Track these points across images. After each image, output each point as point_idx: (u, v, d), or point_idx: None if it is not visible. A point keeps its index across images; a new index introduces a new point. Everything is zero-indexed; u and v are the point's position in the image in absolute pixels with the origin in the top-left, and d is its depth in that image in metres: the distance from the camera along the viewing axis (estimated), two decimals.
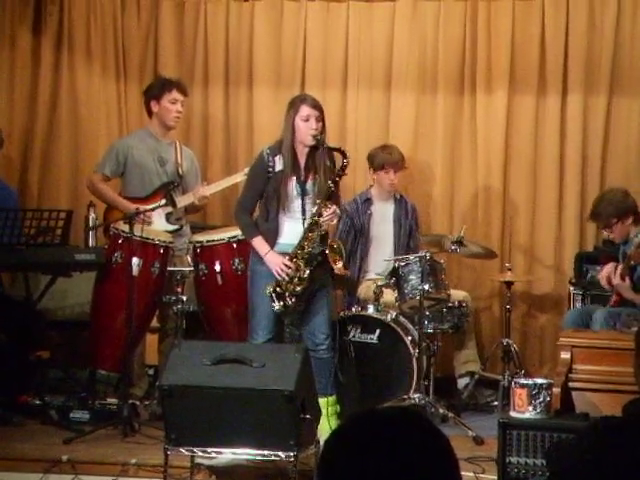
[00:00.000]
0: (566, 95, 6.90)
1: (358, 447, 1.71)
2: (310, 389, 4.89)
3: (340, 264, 5.43)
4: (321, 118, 5.49)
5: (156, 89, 6.31)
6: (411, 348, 5.99)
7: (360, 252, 6.67)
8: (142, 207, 6.04)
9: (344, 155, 5.47)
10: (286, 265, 5.41)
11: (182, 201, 6.31)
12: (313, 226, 5.42)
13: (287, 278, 5.42)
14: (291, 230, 5.48)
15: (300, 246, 5.44)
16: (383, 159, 6.60)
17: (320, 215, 5.40)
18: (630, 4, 6.78)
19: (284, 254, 5.46)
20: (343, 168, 5.46)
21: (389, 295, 6.25)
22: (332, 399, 5.58)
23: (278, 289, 5.43)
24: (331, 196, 5.43)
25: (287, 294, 5.42)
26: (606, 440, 2.99)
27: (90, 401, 5.89)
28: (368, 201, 6.71)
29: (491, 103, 6.99)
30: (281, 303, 5.43)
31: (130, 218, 5.74)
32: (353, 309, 6.30)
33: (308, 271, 5.42)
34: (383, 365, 6.08)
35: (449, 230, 6.95)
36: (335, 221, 5.54)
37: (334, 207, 5.42)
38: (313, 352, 5.33)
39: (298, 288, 5.42)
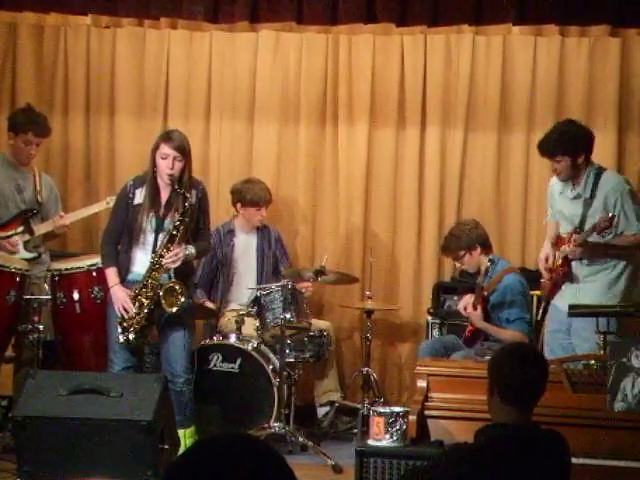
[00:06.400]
0: (425, 129, 7.03)
1: (192, 476, 1.73)
2: (169, 419, 4.86)
3: (175, 309, 5.38)
4: (182, 159, 5.40)
5: (16, 122, 6.12)
6: (272, 377, 6.02)
7: (222, 283, 6.66)
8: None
9: (185, 199, 5.36)
10: (127, 303, 5.39)
11: (41, 229, 6.19)
12: (155, 266, 5.39)
13: (127, 315, 5.40)
14: (145, 260, 5.44)
15: (144, 284, 5.41)
16: (256, 197, 6.60)
17: (162, 257, 5.37)
18: (484, 43, 6.97)
19: (136, 282, 5.44)
20: (183, 214, 5.37)
21: (251, 324, 6.26)
22: (190, 431, 5.53)
23: (124, 323, 5.41)
24: (173, 239, 5.36)
25: (130, 329, 5.41)
26: (458, 466, 3.07)
27: None
28: (231, 232, 6.71)
29: (352, 135, 7.07)
30: (125, 337, 5.41)
31: None
32: (214, 338, 6.29)
33: (147, 310, 5.41)
34: (244, 394, 6.09)
35: (311, 262, 7.00)
36: (178, 263, 5.39)
37: (177, 250, 5.36)
38: (172, 384, 5.31)
39: (138, 325, 5.41)
